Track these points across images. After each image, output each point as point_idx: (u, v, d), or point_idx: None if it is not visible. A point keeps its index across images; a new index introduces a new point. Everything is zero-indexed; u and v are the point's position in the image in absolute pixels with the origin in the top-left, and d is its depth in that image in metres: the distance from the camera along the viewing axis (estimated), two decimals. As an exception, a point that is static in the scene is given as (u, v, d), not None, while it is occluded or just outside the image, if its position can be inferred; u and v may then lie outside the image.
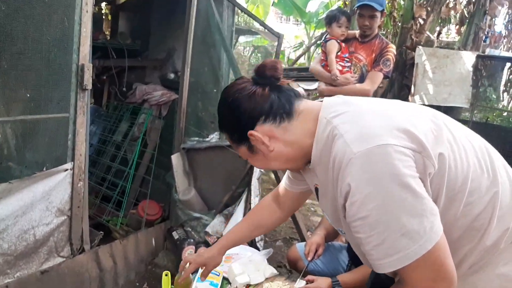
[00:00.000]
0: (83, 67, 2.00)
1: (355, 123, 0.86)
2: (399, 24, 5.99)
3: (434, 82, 4.88)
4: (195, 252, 2.45)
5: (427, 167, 0.83)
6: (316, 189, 1.05)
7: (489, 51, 5.50)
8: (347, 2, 6.39)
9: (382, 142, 0.80)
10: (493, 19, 5.88)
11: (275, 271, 1.88)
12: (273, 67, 0.95)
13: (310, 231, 3.03)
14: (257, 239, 2.52)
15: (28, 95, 1.95)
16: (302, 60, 9.97)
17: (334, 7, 7.64)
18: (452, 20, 6.52)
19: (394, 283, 0.96)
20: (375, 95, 3.08)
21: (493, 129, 4.95)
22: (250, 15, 3.44)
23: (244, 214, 2.58)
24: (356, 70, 2.79)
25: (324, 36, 3.42)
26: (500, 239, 0.91)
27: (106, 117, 3.68)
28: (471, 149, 0.91)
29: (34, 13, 1.85)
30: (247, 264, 1.89)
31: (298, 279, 1.73)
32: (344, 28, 2.75)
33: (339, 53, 2.77)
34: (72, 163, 2.10)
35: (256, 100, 0.94)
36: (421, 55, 4.96)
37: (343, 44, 2.78)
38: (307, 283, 1.68)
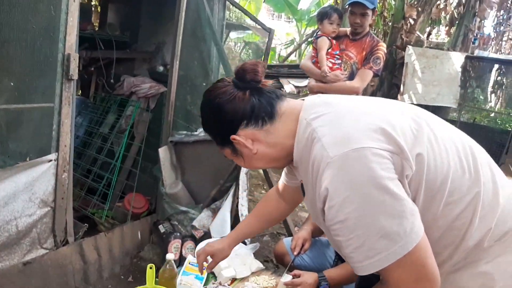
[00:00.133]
0: (69, 57, 1.97)
1: (333, 126, 0.86)
2: (390, 24, 6.02)
3: (423, 82, 4.92)
4: (181, 245, 2.43)
5: (405, 169, 0.83)
6: (302, 185, 1.05)
7: (477, 53, 5.57)
8: (338, 0, 6.40)
9: (359, 145, 0.80)
10: (482, 21, 5.96)
11: (261, 266, 1.88)
12: (253, 70, 0.95)
13: (298, 226, 3.04)
14: (243, 233, 2.51)
15: (12, 84, 1.91)
16: (293, 57, 9.97)
17: (326, 4, 7.64)
18: (442, 21, 6.59)
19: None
20: (365, 93, 3.09)
21: (480, 129, 5.01)
22: (241, 9, 3.42)
23: (232, 209, 2.58)
24: (346, 68, 2.79)
25: (316, 33, 3.42)
26: (483, 239, 0.90)
27: (93, 108, 3.63)
28: (453, 148, 0.91)
29: (20, 1, 1.81)
30: (233, 258, 1.87)
31: (284, 273, 1.72)
32: (335, 25, 2.74)
33: (329, 50, 2.76)
34: (57, 154, 2.08)
35: (237, 105, 0.94)
36: (411, 54, 5.00)
37: (334, 41, 2.77)
38: (293, 278, 1.68)
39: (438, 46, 5.90)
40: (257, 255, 2.00)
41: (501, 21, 6.95)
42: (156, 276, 1.56)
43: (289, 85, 5.35)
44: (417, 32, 5.61)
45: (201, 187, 2.81)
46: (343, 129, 0.85)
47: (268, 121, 0.95)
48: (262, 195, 4.04)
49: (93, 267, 2.39)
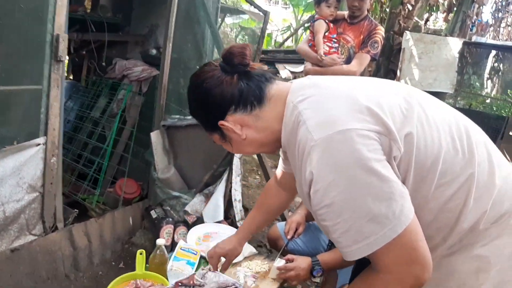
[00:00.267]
0: (58, 37, 1.92)
1: (318, 108, 0.84)
2: (387, 9, 5.95)
3: (420, 67, 4.89)
4: (174, 230, 2.40)
5: (393, 150, 0.80)
6: None
7: (475, 39, 5.52)
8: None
9: (344, 127, 0.78)
10: (481, 7, 5.90)
11: (254, 250, 1.85)
12: (240, 54, 0.91)
13: (291, 210, 3.01)
14: (237, 218, 2.49)
15: None
16: (289, 43, 9.86)
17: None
18: (440, 8, 6.52)
19: None
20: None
21: (476, 115, 4.99)
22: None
23: (225, 194, 2.55)
24: (343, 51, 2.75)
25: (314, 15, 3.35)
26: (479, 221, 0.88)
27: (84, 92, 3.55)
28: (446, 128, 0.88)
29: (7, -20, 1.75)
30: (226, 243, 1.84)
31: (277, 258, 1.70)
32: (333, 8, 2.69)
33: (327, 34, 2.71)
34: (45, 137, 2.03)
35: (225, 90, 0.92)
36: (408, 40, 4.95)
37: (331, 25, 2.72)
38: (286, 262, 1.65)
39: (436, 33, 5.84)
40: (250, 240, 1.96)
41: (499, 7, 6.88)
42: (147, 262, 1.53)
43: (285, 71, 5.29)
44: (415, 18, 5.55)
45: (194, 172, 2.77)
46: (328, 111, 0.83)
47: (257, 105, 0.93)
48: (256, 180, 4.03)
49: (83, 253, 2.36)
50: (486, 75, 6.49)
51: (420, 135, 0.84)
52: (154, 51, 3.51)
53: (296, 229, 1.86)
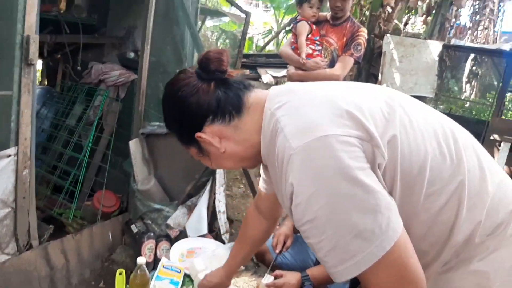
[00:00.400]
0: (29, 38, 1.79)
1: (295, 114, 0.79)
2: (367, 12, 5.98)
3: (400, 71, 4.91)
4: (156, 246, 2.30)
5: (377, 157, 0.75)
6: None
7: (454, 42, 5.60)
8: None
9: (322, 133, 0.73)
10: (459, 10, 5.99)
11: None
12: (217, 59, 0.86)
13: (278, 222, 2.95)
14: (222, 230, 2.41)
15: None
16: (270, 47, 9.83)
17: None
18: (419, 11, 6.60)
19: None
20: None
21: (456, 119, 4.98)
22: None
23: (209, 205, 2.46)
24: (326, 54, 2.71)
25: (295, 17, 3.31)
26: (474, 233, 0.82)
27: (59, 98, 3.40)
28: (431, 132, 0.82)
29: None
30: (211, 259, 1.77)
31: (266, 274, 1.63)
32: (315, 9, 2.65)
33: (309, 36, 2.67)
34: (16, 148, 1.91)
35: (201, 98, 0.86)
36: (389, 43, 4.97)
37: (314, 26, 2.68)
38: (275, 279, 1.59)
39: (415, 36, 5.90)
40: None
41: (477, 10, 7.03)
42: (127, 282, 1.46)
43: (267, 75, 5.22)
44: (395, 21, 5.58)
45: (176, 182, 2.67)
46: (305, 116, 0.78)
47: (235, 115, 0.87)
48: (240, 189, 3.95)
49: (60, 273, 2.23)
50: (464, 79, 6.60)
51: (404, 140, 0.78)
52: (132, 54, 3.39)
53: (284, 242, 1.79)
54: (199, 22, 3.33)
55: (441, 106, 5.62)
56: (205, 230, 2.35)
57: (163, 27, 2.71)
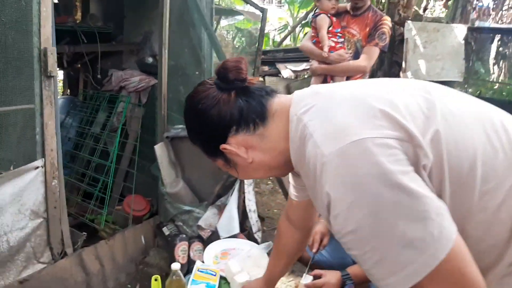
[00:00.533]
0: (46, 51, 1.80)
1: (324, 118, 0.74)
2: (382, 0, 5.82)
3: (425, 57, 4.75)
4: (189, 247, 2.28)
5: (420, 159, 0.68)
6: None
7: (478, 24, 5.39)
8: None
9: (356, 136, 0.67)
10: (481, -8, 5.76)
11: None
12: (235, 68, 0.84)
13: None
14: (253, 229, 2.37)
15: None
16: (287, 42, 9.75)
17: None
18: (438, -5, 6.39)
19: None
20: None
21: (487, 102, 4.88)
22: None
23: (238, 205, 2.43)
24: (350, 46, 2.63)
25: (314, 11, 3.23)
26: None
27: (82, 107, 3.44)
28: (478, 125, 0.75)
29: (-17, -8, 1.65)
30: (246, 260, 1.74)
31: (304, 274, 1.57)
32: (334, 1, 2.58)
33: (330, 28, 2.60)
34: (43, 159, 1.92)
35: (223, 109, 0.84)
36: (411, 29, 4.82)
37: (334, 19, 2.60)
38: (314, 279, 1.53)
39: (436, 21, 5.71)
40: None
41: (500, -10, 6.74)
42: (164, 286, 1.42)
43: (286, 70, 5.18)
44: (415, 7, 5.41)
45: (204, 183, 2.65)
46: (335, 119, 0.72)
47: (260, 123, 0.83)
48: (268, 186, 3.92)
49: (96, 278, 2.25)
50: (491, 61, 6.35)
51: (449, 136, 0.71)
52: (150, 59, 3.40)
53: (321, 241, 1.73)
54: (214, 22, 3.29)
55: (470, 90, 5.41)
56: (237, 229, 2.32)
57: (179, 30, 2.70)
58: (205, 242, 2.25)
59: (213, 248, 1.88)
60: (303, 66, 5.25)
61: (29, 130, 1.86)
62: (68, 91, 4.10)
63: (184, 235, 2.37)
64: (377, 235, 0.65)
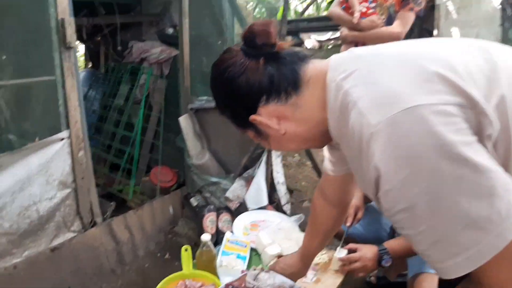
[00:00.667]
0: (64, 22, 1.76)
1: (369, 83, 0.65)
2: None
3: (458, 24, 4.48)
4: (217, 218, 2.26)
5: (485, 127, 0.60)
6: None
7: (516, -13, 5.03)
8: None
9: (410, 104, 0.58)
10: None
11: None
12: (264, 32, 0.75)
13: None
14: (282, 201, 2.33)
15: (4, 58, 1.75)
16: (310, 11, 9.45)
17: None
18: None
19: None
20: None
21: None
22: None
23: (266, 177, 2.39)
24: (382, 12, 2.46)
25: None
26: None
27: (104, 80, 3.42)
28: None
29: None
30: (277, 233, 1.69)
31: (338, 248, 1.51)
32: None
33: (361, -7, 2.42)
34: (68, 131, 1.93)
35: (251, 77, 0.76)
36: (442, -6, 4.54)
37: (364, -19, 2.43)
38: (349, 252, 1.47)
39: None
40: (303, 227, 1.80)
41: None
42: (193, 257, 1.41)
43: (310, 40, 5.00)
44: (446, -30, 5.09)
45: (230, 155, 2.62)
46: (382, 85, 0.63)
47: (293, 92, 0.75)
48: (295, 159, 3.86)
49: (126, 247, 2.30)
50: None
51: None
52: (170, 30, 3.32)
53: (355, 214, 1.66)
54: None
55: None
56: (265, 201, 2.29)
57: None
58: (233, 213, 2.23)
59: (243, 219, 1.84)
60: (328, 35, 5.06)
61: (52, 102, 1.86)
62: (90, 64, 4.08)
63: (212, 206, 2.36)
64: (435, 214, 0.57)
